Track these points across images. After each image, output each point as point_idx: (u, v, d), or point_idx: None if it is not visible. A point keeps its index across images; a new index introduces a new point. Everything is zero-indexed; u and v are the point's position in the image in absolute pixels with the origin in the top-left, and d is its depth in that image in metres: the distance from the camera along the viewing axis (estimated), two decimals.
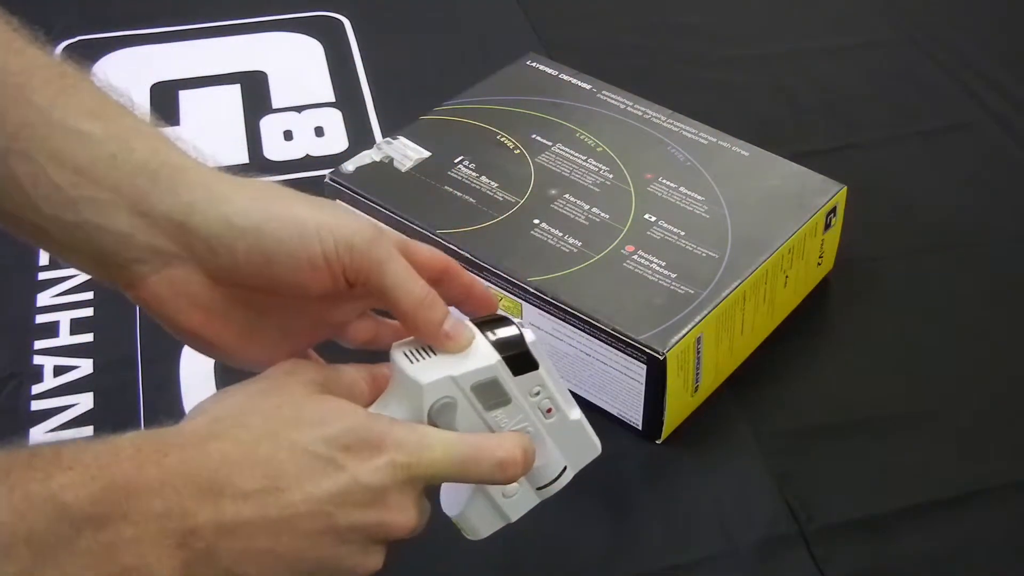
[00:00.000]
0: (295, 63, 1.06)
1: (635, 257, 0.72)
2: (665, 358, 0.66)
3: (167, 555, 0.42)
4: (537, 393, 0.51)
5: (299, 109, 1.00)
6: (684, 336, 0.67)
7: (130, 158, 0.47)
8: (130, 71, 1.04)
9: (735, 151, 0.81)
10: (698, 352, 0.69)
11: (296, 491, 0.45)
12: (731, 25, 1.12)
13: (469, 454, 0.49)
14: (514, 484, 0.52)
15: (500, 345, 0.50)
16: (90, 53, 1.06)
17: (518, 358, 0.50)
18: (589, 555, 0.65)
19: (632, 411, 0.70)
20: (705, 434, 0.72)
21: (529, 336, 0.51)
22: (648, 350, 0.66)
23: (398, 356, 0.50)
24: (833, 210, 0.78)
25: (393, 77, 1.04)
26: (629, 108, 0.85)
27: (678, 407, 0.70)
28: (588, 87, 0.88)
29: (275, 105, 1.00)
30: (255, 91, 1.02)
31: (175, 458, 0.43)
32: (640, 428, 0.71)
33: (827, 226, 0.78)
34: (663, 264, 0.72)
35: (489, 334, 0.51)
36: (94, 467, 0.41)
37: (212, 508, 0.43)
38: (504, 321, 0.52)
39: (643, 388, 0.68)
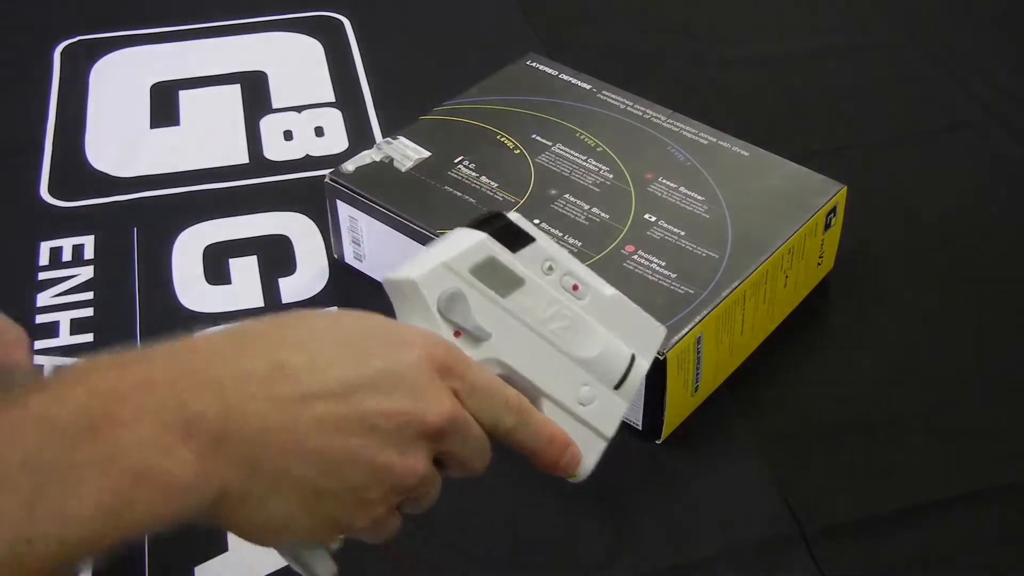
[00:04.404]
0: (295, 63, 1.06)
1: (635, 257, 0.73)
2: (665, 358, 0.66)
3: (175, 449, 0.39)
4: (551, 269, 0.49)
5: (299, 109, 1.00)
6: (684, 336, 0.67)
7: None
8: (130, 71, 1.04)
9: (735, 151, 0.81)
10: (698, 352, 0.69)
11: (307, 374, 0.42)
12: (731, 25, 1.12)
13: (489, 374, 0.47)
14: (587, 388, 0.50)
15: (483, 225, 0.48)
16: (90, 53, 1.06)
17: (505, 230, 0.48)
18: (589, 555, 0.65)
19: (632, 411, 0.70)
20: (705, 434, 0.72)
21: (513, 215, 0.49)
22: None
23: (386, 276, 0.48)
24: (833, 210, 0.78)
25: (393, 77, 1.04)
26: (629, 108, 0.85)
27: (678, 407, 0.70)
28: (588, 87, 0.88)
29: (275, 105, 1.00)
30: (255, 91, 1.02)
31: (162, 358, 0.40)
32: (640, 428, 0.71)
33: (827, 226, 0.78)
34: (663, 264, 0.72)
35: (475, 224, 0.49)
36: (71, 379, 0.39)
37: (212, 394, 0.40)
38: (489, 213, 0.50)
39: (643, 388, 0.68)
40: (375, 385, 0.43)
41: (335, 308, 0.46)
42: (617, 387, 0.51)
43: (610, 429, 0.51)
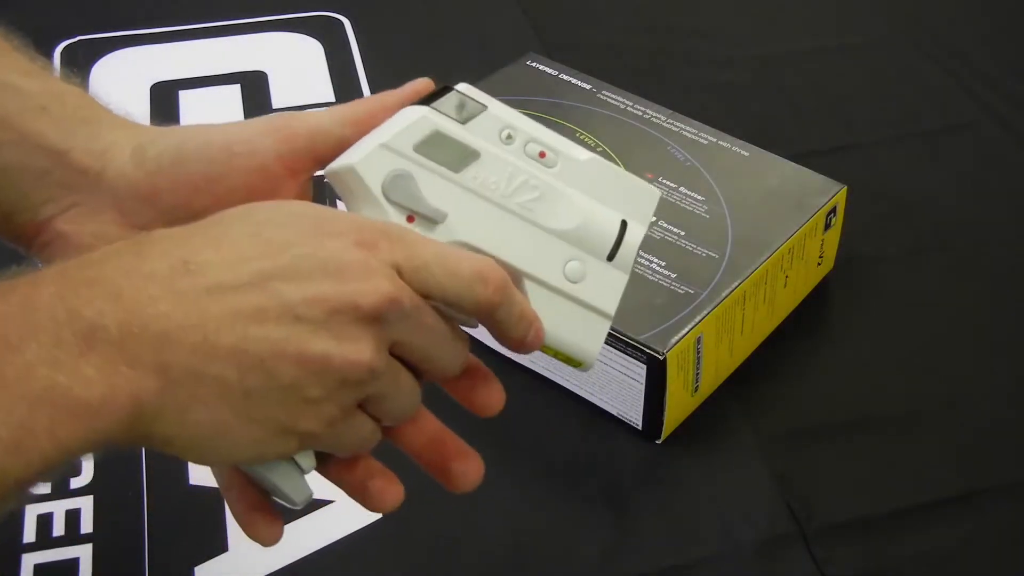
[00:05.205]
0: (295, 63, 1.06)
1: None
2: (665, 358, 0.66)
3: (74, 366, 0.35)
4: (510, 137, 0.45)
5: (299, 109, 1.00)
6: (684, 336, 0.67)
7: (61, 111, 0.46)
8: (130, 71, 1.04)
9: (735, 151, 0.81)
10: (698, 352, 0.69)
11: (215, 268, 0.37)
12: (731, 25, 1.12)
13: (444, 247, 0.42)
14: (575, 263, 0.45)
15: (426, 99, 0.45)
16: (90, 53, 1.06)
17: (450, 101, 0.45)
18: (589, 555, 0.65)
19: (632, 411, 0.70)
20: (705, 434, 0.72)
21: (461, 85, 0.45)
22: (648, 350, 0.66)
23: (327, 169, 0.45)
24: (833, 210, 0.78)
25: (393, 77, 1.03)
26: (629, 108, 0.85)
27: (678, 407, 0.70)
28: (588, 87, 0.88)
29: (275, 105, 1.00)
30: (255, 91, 1.02)
31: (51, 274, 0.36)
32: (640, 428, 0.71)
33: (827, 226, 0.78)
34: (663, 264, 0.72)
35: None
36: None
37: (107, 300, 0.36)
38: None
39: (643, 388, 0.68)
40: (294, 271, 0.38)
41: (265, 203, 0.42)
42: (611, 258, 0.46)
43: (611, 305, 0.46)
